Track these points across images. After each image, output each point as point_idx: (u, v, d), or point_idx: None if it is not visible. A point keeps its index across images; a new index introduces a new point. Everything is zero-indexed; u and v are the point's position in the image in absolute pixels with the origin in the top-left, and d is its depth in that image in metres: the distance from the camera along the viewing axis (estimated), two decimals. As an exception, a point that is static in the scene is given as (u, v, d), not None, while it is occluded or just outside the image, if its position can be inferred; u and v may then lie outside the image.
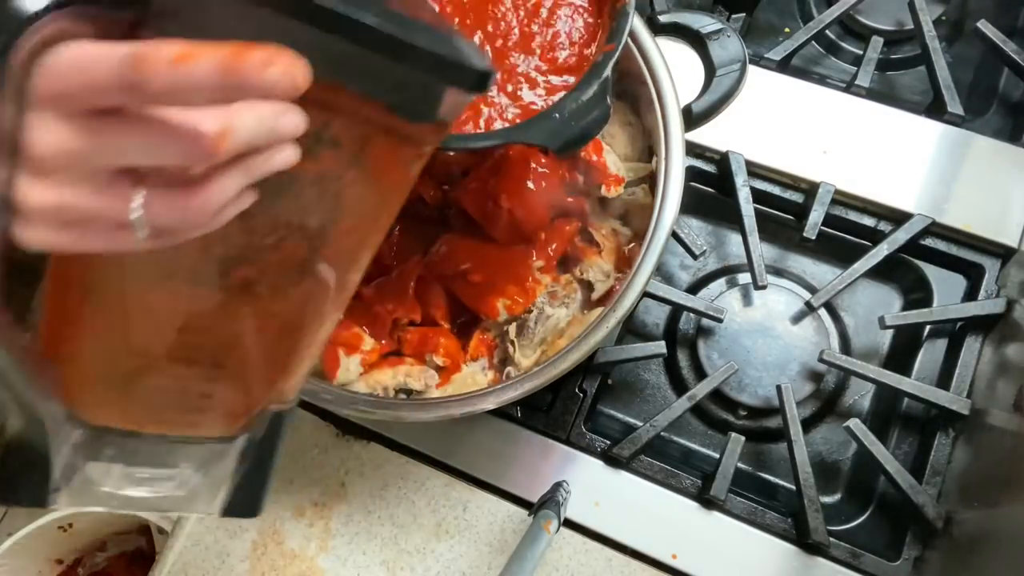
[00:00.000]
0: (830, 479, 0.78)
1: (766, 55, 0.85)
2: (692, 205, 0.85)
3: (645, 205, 0.68)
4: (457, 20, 0.56)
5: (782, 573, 0.70)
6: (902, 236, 0.76)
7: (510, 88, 0.56)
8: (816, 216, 0.78)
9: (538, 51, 0.57)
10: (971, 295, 0.78)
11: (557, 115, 0.53)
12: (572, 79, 0.56)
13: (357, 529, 0.75)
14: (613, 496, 0.73)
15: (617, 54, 0.54)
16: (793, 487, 0.71)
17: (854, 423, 0.71)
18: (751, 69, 0.67)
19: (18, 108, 0.24)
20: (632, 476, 0.74)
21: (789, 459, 0.72)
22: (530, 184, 0.64)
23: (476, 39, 0.56)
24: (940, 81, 0.82)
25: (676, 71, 0.63)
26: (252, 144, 0.26)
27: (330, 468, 0.77)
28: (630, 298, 0.58)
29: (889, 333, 0.81)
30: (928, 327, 0.78)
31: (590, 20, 0.58)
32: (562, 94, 0.55)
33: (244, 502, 0.43)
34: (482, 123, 0.55)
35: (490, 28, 0.56)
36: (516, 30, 0.57)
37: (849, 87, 0.84)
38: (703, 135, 0.79)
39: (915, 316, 0.75)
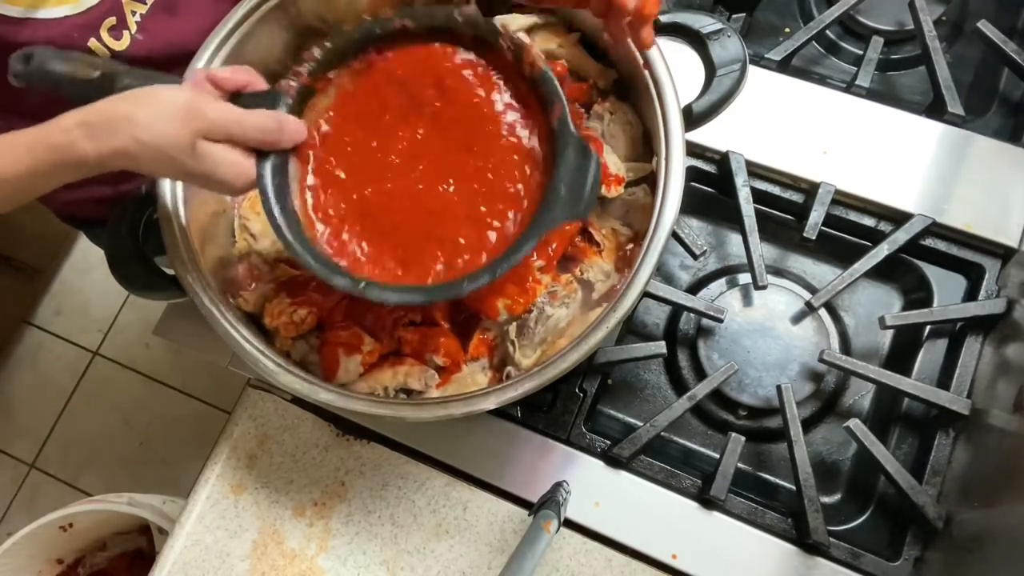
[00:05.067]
0: (830, 479, 0.78)
1: (766, 55, 0.85)
2: (692, 205, 0.85)
3: (645, 205, 0.68)
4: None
5: (782, 573, 0.70)
6: (902, 236, 0.76)
7: (496, 223, 0.60)
8: (816, 216, 0.78)
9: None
10: (971, 295, 0.78)
11: (562, 188, 0.56)
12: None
13: (357, 529, 0.75)
14: (613, 496, 0.73)
15: (566, 111, 0.57)
16: (793, 487, 0.71)
17: (854, 423, 0.71)
18: (751, 69, 0.67)
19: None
20: (632, 476, 0.74)
21: (789, 459, 0.72)
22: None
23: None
24: (940, 81, 0.82)
25: (676, 71, 0.63)
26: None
27: (330, 468, 0.77)
28: (630, 298, 0.58)
29: (889, 333, 0.81)
30: (928, 327, 0.78)
31: (526, 119, 0.61)
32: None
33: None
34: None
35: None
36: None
37: (849, 87, 0.84)
38: (703, 135, 0.79)
39: (915, 316, 0.75)
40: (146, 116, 0.50)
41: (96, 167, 0.51)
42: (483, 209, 0.60)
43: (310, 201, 0.60)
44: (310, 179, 0.61)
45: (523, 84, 0.60)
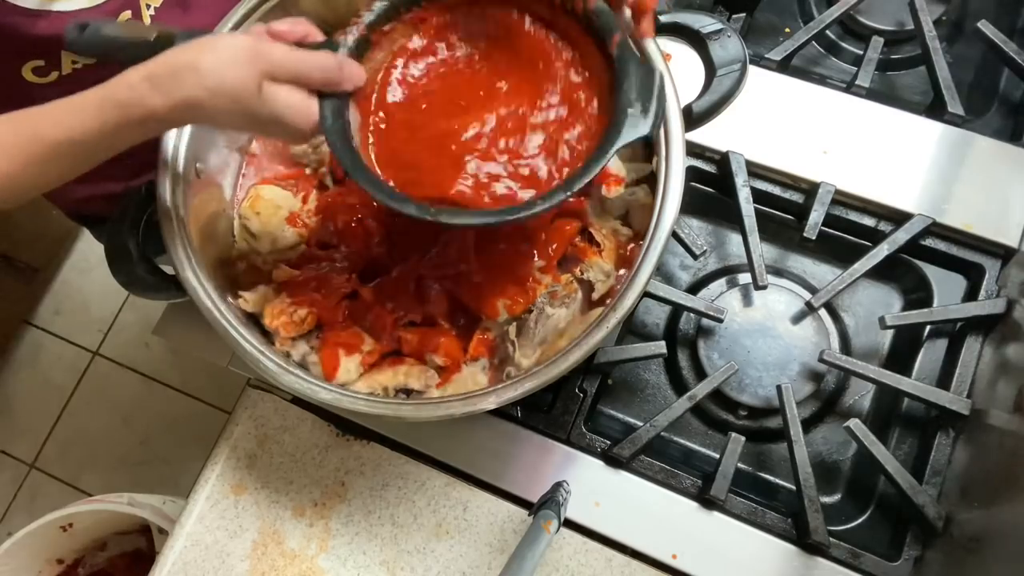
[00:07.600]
0: (830, 479, 0.78)
1: (766, 55, 0.85)
2: (692, 205, 0.85)
3: (645, 205, 0.68)
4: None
5: (782, 573, 0.70)
6: (902, 236, 0.76)
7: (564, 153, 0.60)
8: (816, 216, 0.78)
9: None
10: (971, 295, 0.78)
11: (630, 109, 0.55)
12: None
13: (357, 529, 0.75)
14: (613, 496, 0.73)
15: (626, 36, 0.57)
16: (793, 487, 0.71)
17: (854, 423, 0.71)
18: (751, 69, 0.67)
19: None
20: (632, 476, 0.74)
21: (789, 459, 0.72)
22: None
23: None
24: (940, 81, 0.82)
25: (676, 71, 0.63)
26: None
27: (330, 468, 0.77)
28: (630, 298, 0.58)
29: (889, 333, 0.81)
30: (928, 327, 0.78)
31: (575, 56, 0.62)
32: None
33: None
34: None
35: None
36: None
37: (849, 87, 0.84)
38: (703, 135, 0.79)
39: (915, 316, 0.75)
40: (211, 62, 0.49)
41: (163, 122, 0.51)
42: (550, 141, 0.60)
43: (372, 150, 0.61)
44: (372, 126, 0.61)
45: (571, 23, 0.61)
